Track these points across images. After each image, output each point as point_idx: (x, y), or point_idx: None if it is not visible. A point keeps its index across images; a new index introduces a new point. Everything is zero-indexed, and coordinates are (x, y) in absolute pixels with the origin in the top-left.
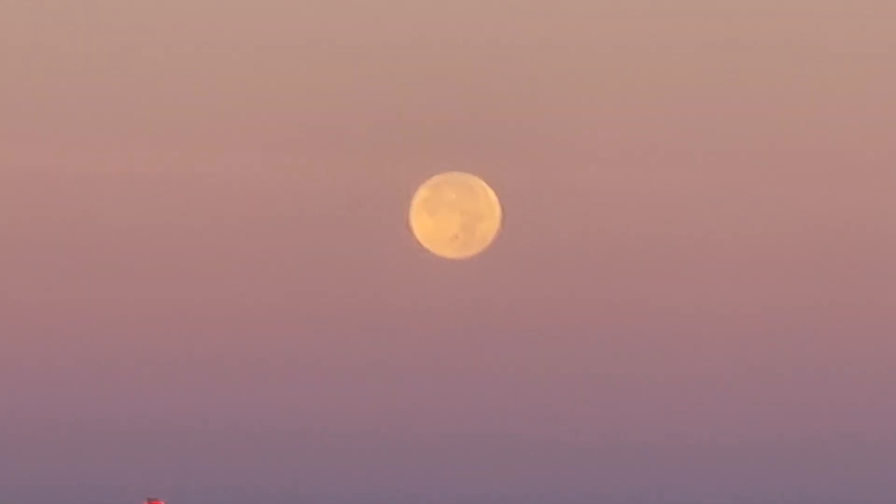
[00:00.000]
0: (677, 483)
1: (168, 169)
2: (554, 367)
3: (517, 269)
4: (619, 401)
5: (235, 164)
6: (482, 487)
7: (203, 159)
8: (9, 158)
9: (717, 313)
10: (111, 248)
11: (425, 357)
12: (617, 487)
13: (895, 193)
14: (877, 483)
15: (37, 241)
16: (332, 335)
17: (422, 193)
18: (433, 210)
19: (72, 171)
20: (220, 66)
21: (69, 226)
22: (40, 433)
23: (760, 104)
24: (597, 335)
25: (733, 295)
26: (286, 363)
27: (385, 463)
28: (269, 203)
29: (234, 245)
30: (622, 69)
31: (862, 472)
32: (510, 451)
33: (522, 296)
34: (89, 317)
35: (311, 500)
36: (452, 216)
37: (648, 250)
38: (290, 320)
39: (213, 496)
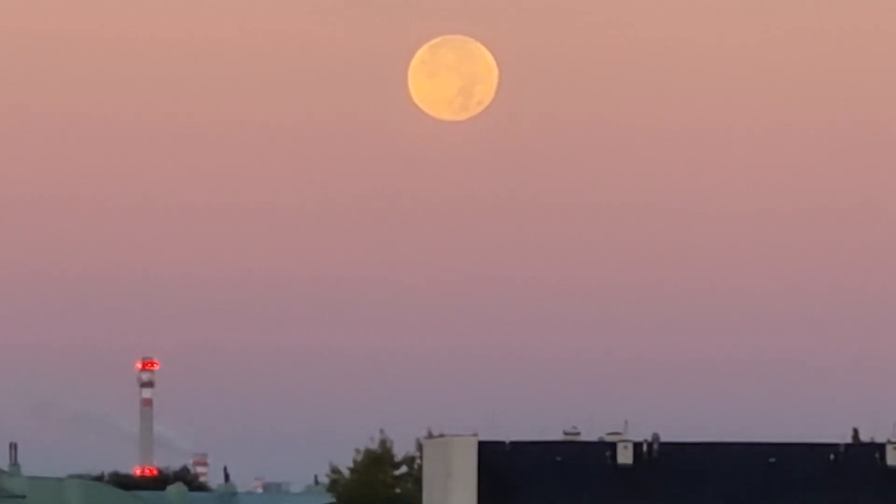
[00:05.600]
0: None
1: (175, 35)
2: (547, 223)
3: (514, 131)
4: (613, 261)
5: (236, 28)
6: (471, 333)
7: (207, 26)
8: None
9: (717, 180)
10: (122, 107)
11: (421, 215)
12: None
13: None
14: None
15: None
16: (332, 194)
17: (420, 56)
18: (432, 72)
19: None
20: None
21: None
22: (37, 289)
23: None
24: (592, 194)
25: (730, 168)
26: (288, 219)
27: (381, 315)
28: (271, 65)
29: (238, 105)
30: None
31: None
32: (501, 303)
33: (518, 158)
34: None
35: (310, 351)
36: (450, 79)
37: (646, 112)
38: (292, 178)
39: (207, 356)
